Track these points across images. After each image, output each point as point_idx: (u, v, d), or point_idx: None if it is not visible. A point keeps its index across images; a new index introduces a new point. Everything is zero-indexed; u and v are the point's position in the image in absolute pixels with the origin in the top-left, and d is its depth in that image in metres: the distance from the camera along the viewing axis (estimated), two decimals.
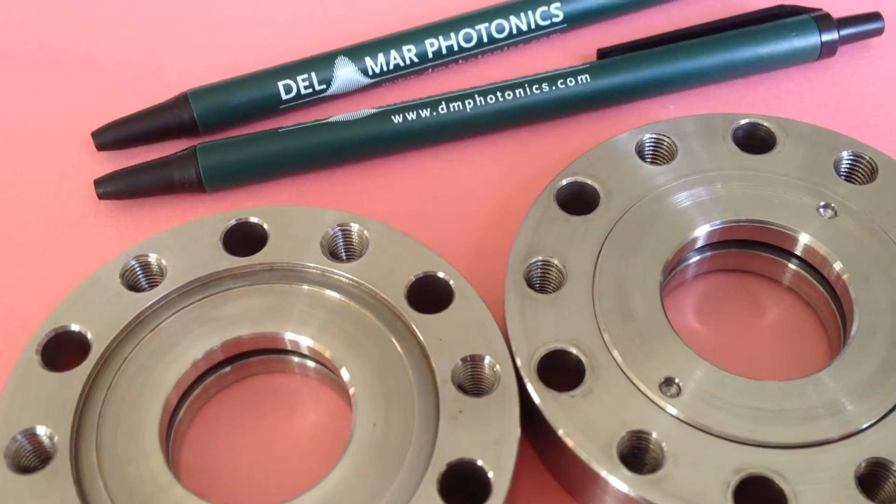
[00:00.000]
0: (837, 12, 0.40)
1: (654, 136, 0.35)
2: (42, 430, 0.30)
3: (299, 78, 0.40)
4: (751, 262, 0.34)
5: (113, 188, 0.38)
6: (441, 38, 0.41)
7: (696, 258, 0.34)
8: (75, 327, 0.32)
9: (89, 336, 0.32)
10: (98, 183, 0.38)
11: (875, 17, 0.41)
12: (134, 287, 0.33)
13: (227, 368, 0.33)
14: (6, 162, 0.40)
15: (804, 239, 0.32)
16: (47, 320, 0.32)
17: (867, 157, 0.34)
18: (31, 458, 0.30)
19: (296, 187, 0.38)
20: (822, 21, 0.40)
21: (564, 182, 0.34)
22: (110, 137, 0.39)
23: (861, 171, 0.34)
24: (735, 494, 0.28)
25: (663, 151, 0.35)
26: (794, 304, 0.34)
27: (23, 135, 0.41)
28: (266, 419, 0.32)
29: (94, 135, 0.39)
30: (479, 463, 0.28)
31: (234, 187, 0.38)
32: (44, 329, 0.32)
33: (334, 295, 0.32)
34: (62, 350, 0.32)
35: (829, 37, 0.40)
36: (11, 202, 0.39)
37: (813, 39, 0.40)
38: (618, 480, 0.28)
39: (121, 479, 0.29)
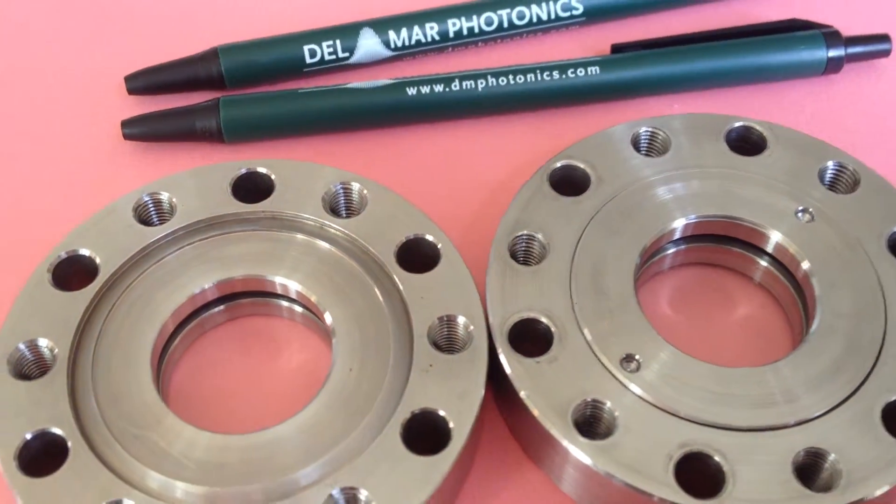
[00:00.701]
0: (851, 32, 0.42)
1: (650, 129, 0.37)
2: (44, 342, 0.32)
3: (324, 44, 0.42)
4: (725, 257, 0.36)
5: (138, 130, 0.40)
6: (463, 18, 0.42)
7: (673, 249, 0.36)
8: (85, 252, 0.34)
9: (98, 261, 0.34)
10: (125, 124, 0.40)
11: (883, 38, 0.42)
12: (145, 221, 0.35)
13: (221, 307, 0.35)
14: (44, 99, 0.42)
15: (776, 237, 0.34)
16: (61, 243, 0.34)
17: (851, 168, 0.35)
18: (32, 368, 0.32)
19: (310, 147, 0.41)
20: (831, 37, 0.41)
21: (559, 164, 0.36)
22: (142, 83, 0.42)
23: (844, 181, 0.36)
24: (677, 467, 0.29)
25: (657, 145, 0.37)
26: (763, 300, 0.35)
27: (62, 75, 0.43)
28: (253, 356, 0.35)
29: (127, 79, 0.42)
30: (442, 413, 0.30)
31: (252, 141, 0.41)
32: (57, 251, 0.34)
33: (327, 246, 0.34)
34: (72, 272, 0.34)
35: (835, 53, 0.41)
36: (46, 135, 0.41)
37: (819, 54, 0.41)
38: (568, 443, 0.30)
39: (112, 395, 0.31)
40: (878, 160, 0.39)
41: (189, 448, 0.31)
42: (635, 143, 0.37)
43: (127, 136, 0.40)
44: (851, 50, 0.41)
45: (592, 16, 0.44)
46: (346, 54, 0.42)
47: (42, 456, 0.30)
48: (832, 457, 0.29)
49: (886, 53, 0.42)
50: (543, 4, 0.43)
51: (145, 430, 0.31)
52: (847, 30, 0.42)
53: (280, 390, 0.34)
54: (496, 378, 0.32)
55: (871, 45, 0.42)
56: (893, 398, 0.30)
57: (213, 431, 0.31)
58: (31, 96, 0.43)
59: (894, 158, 0.39)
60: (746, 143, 0.37)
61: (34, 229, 0.38)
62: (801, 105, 0.41)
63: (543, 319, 0.32)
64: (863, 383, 0.31)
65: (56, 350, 0.32)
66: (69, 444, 0.30)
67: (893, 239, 0.34)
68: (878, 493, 0.29)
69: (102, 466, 0.30)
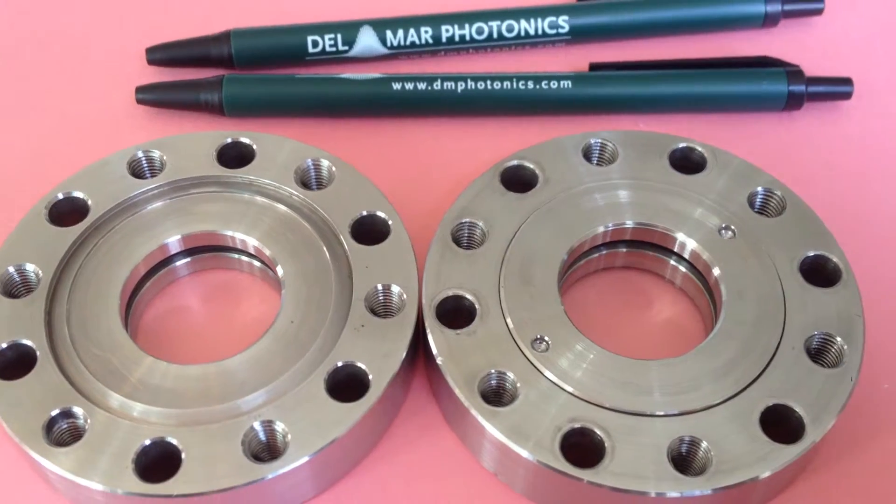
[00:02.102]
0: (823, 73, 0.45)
1: (601, 140, 0.40)
2: (31, 267, 0.36)
3: (327, 36, 0.46)
4: (650, 262, 0.39)
5: (149, 96, 0.44)
6: (456, 26, 0.46)
7: (604, 252, 0.39)
8: (80, 194, 0.38)
9: (90, 203, 0.38)
10: (138, 90, 0.44)
11: (845, 81, 0.44)
12: (137, 174, 0.40)
13: (189, 258, 0.39)
14: (75, 60, 0.47)
15: (691, 245, 0.37)
16: (59, 185, 0.39)
17: (779, 195, 0.38)
18: (19, 288, 0.37)
19: (302, 127, 0.45)
20: (793, 75, 0.44)
21: (512, 163, 0.39)
22: (160, 55, 0.46)
23: (772, 205, 0.38)
24: (563, 438, 0.32)
25: (606, 155, 0.40)
26: (682, 303, 0.38)
27: (95, 41, 0.48)
28: (213, 302, 0.39)
29: (148, 51, 0.46)
30: (363, 367, 0.34)
31: (250, 117, 0.45)
32: (55, 191, 0.39)
33: (290, 212, 0.38)
34: (67, 211, 0.38)
35: (796, 89, 0.44)
36: (72, 92, 0.46)
37: (780, 89, 0.44)
38: (470, 406, 0.33)
39: (82, 320, 0.36)
40: (818, 195, 0.41)
41: (147, 374, 0.35)
42: (586, 152, 0.40)
43: (139, 101, 0.44)
44: (813, 89, 0.44)
45: (578, 35, 0.47)
46: (346, 48, 0.46)
47: (15, 364, 0.34)
48: (704, 445, 0.32)
49: (848, 96, 0.45)
50: (531, 20, 0.46)
51: (107, 353, 0.35)
52: (827, 73, 0.45)
53: (233, 333, 0.38)
54: (422, 345, 0.36)
55: (832, 87, 0.44)
56: (773, 403, 0.33)
57: (169, 362, 0.35)
58: (64, 57, 0.48)
59: (833, 195, 0.42)
60: (689, 162, 0.40)
61: (46, 172, 0.42)
62: (758, 137, 0.44)
63: (469, 297, 0.36)
64: (748, 386, 0.34)
65: (41, 275, 0.36)
66: (38, 355, 0.34)
67: (804, 262, 0.36)
68: (738, 480, 0.31)
69: (64, 379, 0.34)
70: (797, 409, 0.33)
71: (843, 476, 0.35)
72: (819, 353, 0.35)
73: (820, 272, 0.37)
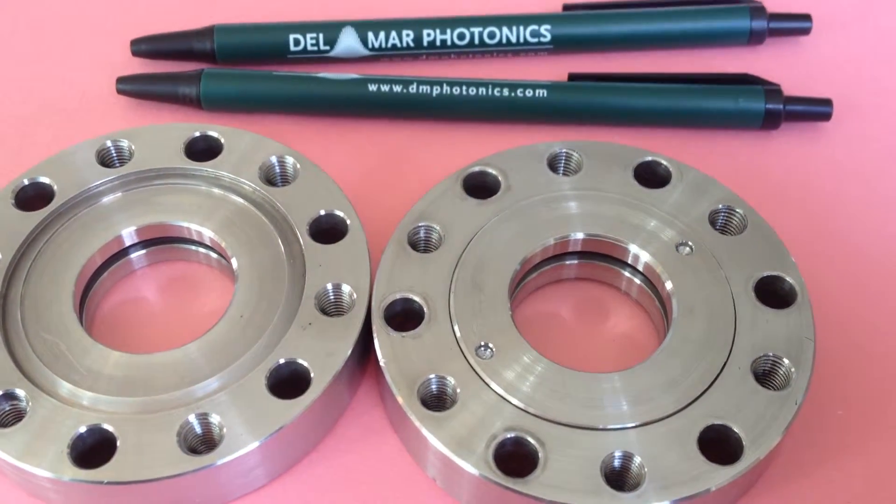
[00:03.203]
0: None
1: (566, 150, 0.40)
2: None
3: (308, 35, 0.46)
4: (607, 274, 0.39)
5: (129, 87, 0.45)
6: (438, 30, 0.46)
7: (562, 263, 0.39)
8: (46, 180, 0.39)
9: (55, 189, 0.39)
10: (119, 80, 0.45)
11: (825, 102, 0.44)
12: (105, 163, 0.40)
13: (149, 248, 0.39)
14: (58, 49, 0.48)
15: (645, 258, 0.37)
16: (28, 171, 0.39)
17: (740, 213, 0.38)
18: None
19: (278, 124, 0.45)
20: (771, 93, 0.43)
21: (475, 169, 0.39)
22: (145, 47, 0.47)
23: (733, 224, 0.38)
24: (499, 446, 0.32)
25: (572, 165, 0.40)
26: (637, 316, 0.38)
27: (83, 29, 0.49)
28: (169, 294, 0.39)
29: (133, 42, 0.47)
30: (305, 365, 0.34)
31: (227, 112, 0.45)
32: (22, 176, 0.39)
33: (250, 207, 0.39)
34: (34, 195, 0.39)
35: (773, 108, 0.43)
36: (57, 78, 0.47)
37: (758, 107, 0.43)
38: (408, 409, 0.33)
39: (35, 303, 0.36)
40: (786, 215, 0.41)
41: (95, 363, 0.35)
42: (552, 161, 0.40)
43: (119, 91, 0.45)
44: (791, 108, 0.43)
45: (560, 45, 0.47)
46: (327, 47, 0.46)
47: None
48: (638, 461, 0.32)
49: (827, 117, 0.44)
50: (514, 27, 0.46)
51: (55, 337, 0.35)
52: (811, 94, 0.44)
53: (187, 324, 0.38)
54: (370, 346, 0.36)
55: (811, 107, 0.44)
56: (713, 422, 0.33)
57: (120, 351, 0.35)
58: (52, 44, 0.49)
59: (802, 217, 0.41)
60: (654, 176, 0.40)
61: (22, 155, 0.43)
62: (733, 155, 0.44)
63: (419, 300, 0.36)
64: (690, 404, 0.33)
65: (0, 257, 0.37)
66: None
67: (760, 283, 0.36)
68: (671, 498, 0.31)
69: (11, 361, 0.34)
70: (737, 430, 0.33)
71: (786, 502, 0.34)
72: (766, 374, 0.34)
73: (775, 293, 0.36)
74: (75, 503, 0.34)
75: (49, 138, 0.44)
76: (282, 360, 0.34)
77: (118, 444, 0.32)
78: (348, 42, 0.46)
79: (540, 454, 0.32)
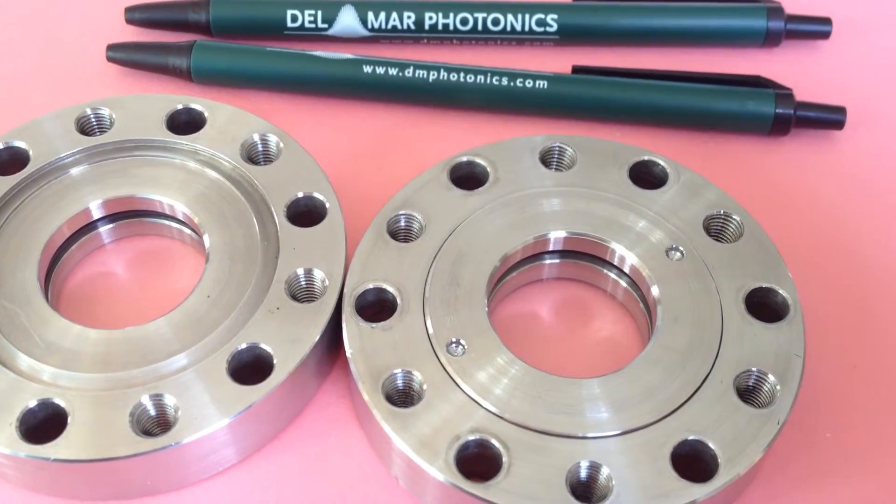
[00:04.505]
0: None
1: (560, 145, 0.38)
2: None
3: (307, 12, 0.45)
4: (594, 276, 0.37)
5: (119, 55, 0.44)
6: (440, 14, 0.45)
7: (547, 262, 0.37)
8: (21, 145, 0.38)
9: (31, 154, 0.38)
10: (109, 48, 0.44)
11: (838, 110, 0.42)
12: (84, 131, 0.39)
13: (120, 221, 0.38)
14: (53, 13, 0.47)
15: (631, 260, 0.35)
16: (4, 134, 0.38)
17: (738, 220, 0.36)
18: None
19: (269, 101, 0.44)
20: (782, 98, 0.41)
21: (464, 159, 0.38)
22: (139, 16, 0.45)
23: (729, 230, 0.36)
24: (462, 448, 0.31)
25: (565, 161, 0.38)
26: (622, 320, 0.37)
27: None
28: (139, 268, 0.38)
29: (127, 10, 0.45)
30: (269, 350, 0.33)
31: (217, 86, 0.44)
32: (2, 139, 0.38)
33: (228, 185, 0.37)
34: (7, 161, 0.38)
35: (784, 113, 0.41)
36: (48, 44, 0.46)
37: (767, 111, 0.41)
38: (371, 403, 0.32)
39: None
40: (788, 225, 0.39)
41: (55, 335, 0.34)
42: (544, 156, 0.38)
43: (109, 59, 0.44)
44: (802, 114, 0.42)
45: (566, 36, 0.45)
46: (325, 25, 0.45)
47: None
48: (606, 473, 0.30)
49: (839, 126, 0.42)
50: (519, 15, 0.45)
51: (15, 306, 0.34)
52: (826, 100, 0.42)
53: (156, 301, 0.37)
54: (340, 336, 0.34)
55: (824, 114, 0.42)
56: (688, 437, 0.31)
57: (83, 325, 0.34)
58: (47, 7, 0.47)
59: (805, 228, 0.40)
60: (651, 176, 0.38)
61: (4, 117, 0.42)
62: (740, 159, 0.42)
63: (392, 290, 0.34)
64: (666, 417, 0.32)
65: None
66: None
67: (752, 294, 0.34)
68: None
69: None
70: (712, 447, 0.31)
71: None
72: (750, 390, 0.33)
73: (767, 306, 0.34)
74: (29, 481, 0.32)
75: (34, 102, 0.43)
76: (244, 345, 0.33)
77: (69, 420, 0.31)
78: (347, 21, 0.45)
79: (504, 459, 0.31)
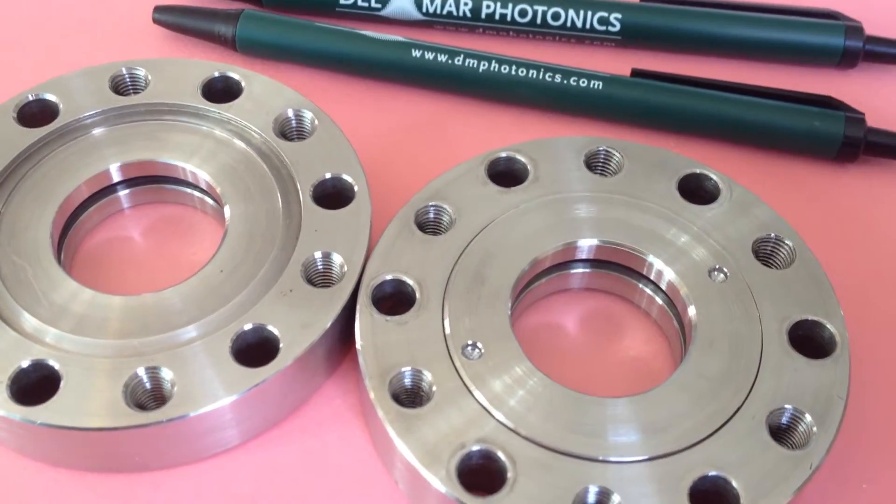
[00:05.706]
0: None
1: (607, 148, 0.36)
2: None
3: None
4: (627, 289, 0.35)
5: (165, 18, 0.43)
6: (498, 3, 0.43)
7: (574, 270, 0.35)
8: (52, 98, 0.37)
9: (60, 109, 0.37)
10: (156, 9, 0.43)
11: None
12: (117, 90, 0.38)
13: (140, 187, 0.37)
14: None
15: (669, 276, 0.33)
16: (35, 86, 0.37)
17: (790, 245, 0.34)
18: None
19: (311, 77, 0.42)
20: (852, 122, 0.39)
21: (503, 154, 0.36)
22: None
23: (779, 256, 0.34)
24: (465, 457, 0.29)
25: (611, 166, 0.36)
26: (654, 340, 0.34)
27: None
28: (157, 235, 0.37)
29: None
30: (276, 333, 0.31)
31: (261, 58, 0.42)
32: (29, 91, 0.37)
33: (256, 158, 0.36)
34: (37, 113, 0.37)
35: (853, 137, 0.39)
36: (94, 2, 0.45)
37: (835, 134, 0.39)
38: (376, 399, 0.30)
39: (12, 223, 0.34)
40: (845, 257, 0.37)
41: (60, 297, 0.33)
42: (590, 159, 0.36)
43: (156, 21, 0.43)
44: (872, 139, 0.39)
45: (629, 37, 0.43)
46: (379, 6, 0.43)
47: None
48: (616, 500, 0.28)
49: None
50: (581, 11, 0.43)
51: (24, 261, 0.33)
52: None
53: (171, 269, 0.35)
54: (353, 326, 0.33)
55: (895, 141, 0.39)
56: (710, 472, 0.29)
57: (91, 288, 0.33)
58: None
59: (863, 261, 0.37)
60: (702, 191, 0.35)
61: (42, 69, 0.41)
62: (798, 181, 0.39)
63: (412, 283, 0.32)
64: (688, 448, 0.29)
65: None
66: None
67: (795, 326, 0.32)
68: None
69: None
70: (735, 486, 0.28)
71: None
72: (784, 429, 0.30)
73: (812, 340, 0.32)
74: (20, 441, 0.31)
75: (74, 57, 0.42)
76: (249, 325, 0.31)
77: (61, 384, 0.30)
78: (401, 2, 0.43)
79: (509, 474, 0.29)
